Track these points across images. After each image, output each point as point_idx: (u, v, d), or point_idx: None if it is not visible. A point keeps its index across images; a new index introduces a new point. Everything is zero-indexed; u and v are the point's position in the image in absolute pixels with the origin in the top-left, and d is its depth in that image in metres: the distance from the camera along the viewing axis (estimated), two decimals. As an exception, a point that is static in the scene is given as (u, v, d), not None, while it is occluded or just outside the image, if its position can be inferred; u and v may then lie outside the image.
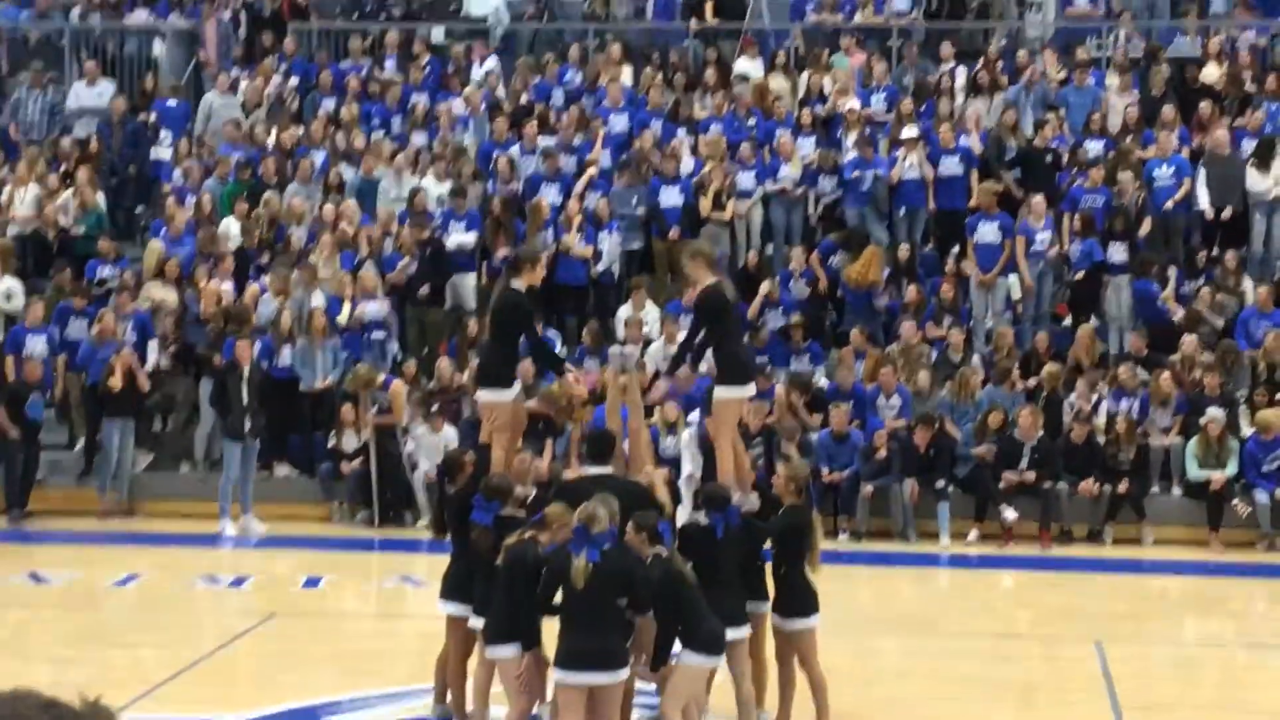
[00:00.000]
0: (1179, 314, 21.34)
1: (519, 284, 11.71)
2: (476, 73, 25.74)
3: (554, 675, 10.24)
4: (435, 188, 23.01)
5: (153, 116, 25.51)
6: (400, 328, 21.97)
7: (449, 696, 11.71)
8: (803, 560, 11.26)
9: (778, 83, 24.94)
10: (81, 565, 18.09)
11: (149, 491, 20.95)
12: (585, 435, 12.08)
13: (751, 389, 11.96)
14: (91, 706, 1.83)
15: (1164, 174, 22.43)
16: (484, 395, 11.82)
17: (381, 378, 20.10)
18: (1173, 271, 21.68)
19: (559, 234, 22.43)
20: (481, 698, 11.31)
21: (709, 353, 11.91)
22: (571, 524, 10.17)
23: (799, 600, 11.31)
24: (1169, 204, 22.26)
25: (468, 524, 11.07)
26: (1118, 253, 21.68)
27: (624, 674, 10.24)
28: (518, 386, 11.89)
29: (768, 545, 11.46)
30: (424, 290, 21.93)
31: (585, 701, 10.06)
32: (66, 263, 22.53)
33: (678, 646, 10.49)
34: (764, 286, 21.84)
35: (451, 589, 11.49)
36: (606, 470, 11.15)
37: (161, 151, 25.09)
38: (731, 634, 10.85)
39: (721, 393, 11.66)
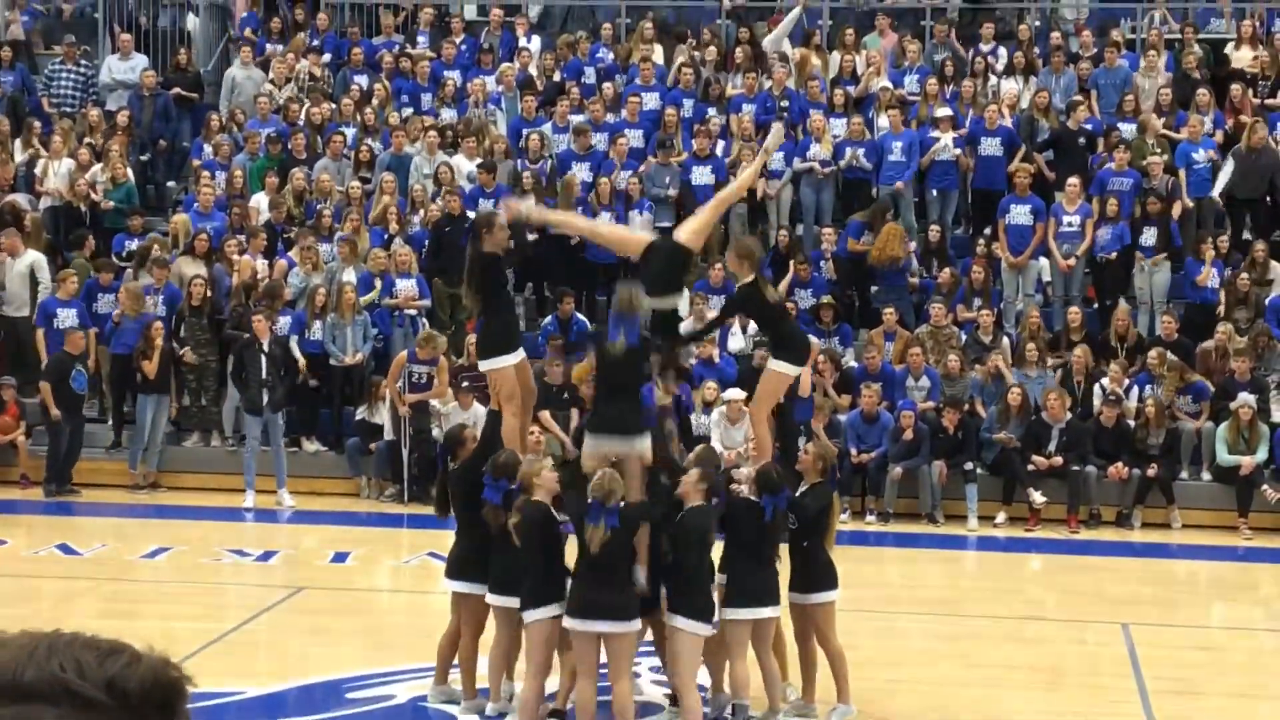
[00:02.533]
0: (1220, 297, 21.22)
1: (486, 249, 11.71)
2: (525, 44, 25.75)
3: (566, 622, 10.34)
4: (465, 164, 23.00)
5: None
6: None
7: (451, 676, 11.75)
8: (823, 537, 11.36)
9: (812, 61, 24.84)
10: (111, 537, 18.16)
11: (177, 465, 21.01)
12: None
13: (800, 370, 12.22)
14: (162, 661, 1.83)
15: (1200, 158, 22.31)
16: (485, 365, 11.90)
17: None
18: (1209, 254, 21.44)
19: (589, 212, 22.39)
20: (496, 674, 11.36)
21: (754, 333, 12.17)
22: (552, 475, 10.58)
23: (820, 575, 11.41)
24: (1213, 194, 22.21)
25: (473, 501, 11.11)
26: (1148, 236, 21.59)
27: (635, 625, 10.42)
28: (520, 353, 11.87)
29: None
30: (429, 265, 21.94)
31: (598, 648, 10.25)
32: (94, 235, 22.61)
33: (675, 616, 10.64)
34: (793, 266, 21.80)
35: (457, 567, 11.51)
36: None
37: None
38: (769, 613, 11.05)
39: (776, 365, 11.81)
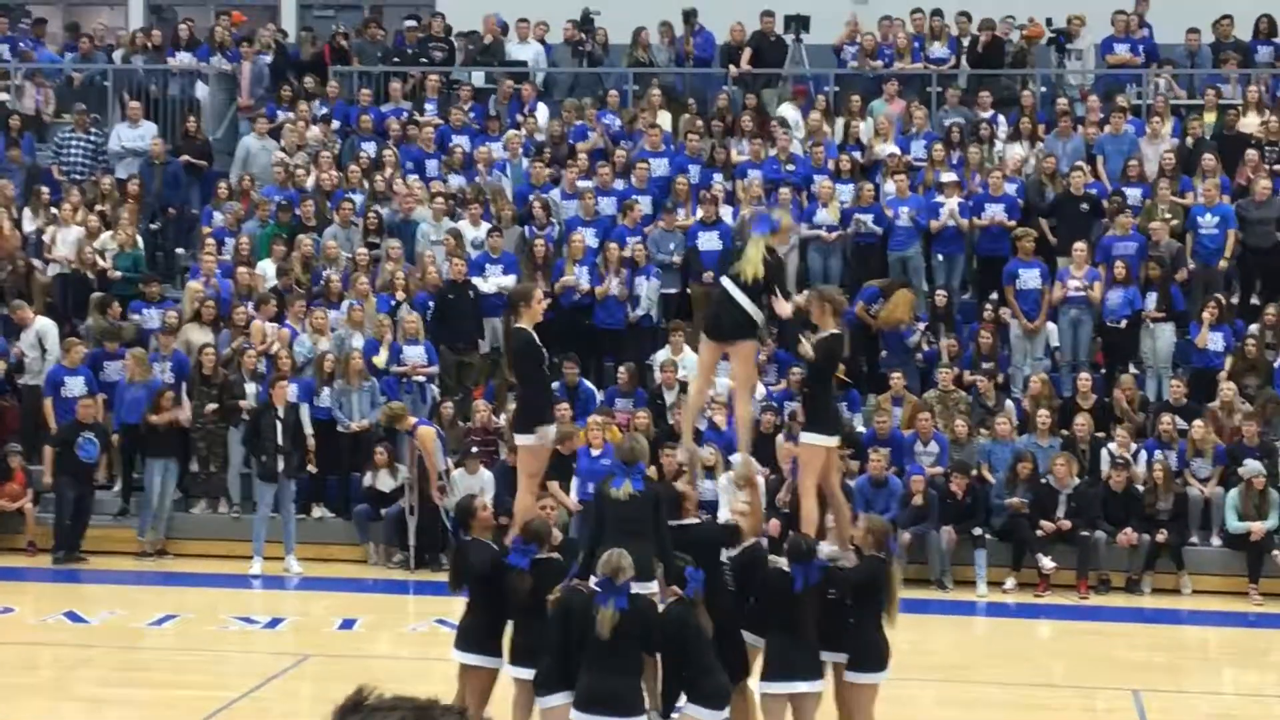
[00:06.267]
0: (1225, 363, 21.19)
1: (523, 323, 11.78)
2: (536, 110, 25.82)
3: (571, 715, 10.16)
4: (471, 231, 23.06)
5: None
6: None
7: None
8: (878, 614, 11.19)
9: (819, 128, 24.89)
10: (118, 604, 18.13)
11: (185, 531, 20.99)
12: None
13: (837, 440, 11.96)
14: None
15: (1208, 222, 22.32)
16: (521, 440, 11.86)
17: (413, 420, 19.98)
18: (1207, 316, 21.39)
19: (594, 277, 22.44)
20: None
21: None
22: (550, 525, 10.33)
23: (869, 654, 11.22)
24: (1222, 262, 22.22)
25: (493, 571, 10.99)
26: (1149, 301, 21.60)
27: None
28: (553, 430, 11.92)
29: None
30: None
31: None
32: (104, 303, 22.65)
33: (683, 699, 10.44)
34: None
35: (467, 638, 11.41)
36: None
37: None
38: (807, 687, 10.81)
39: (810, 439, 11.66)
